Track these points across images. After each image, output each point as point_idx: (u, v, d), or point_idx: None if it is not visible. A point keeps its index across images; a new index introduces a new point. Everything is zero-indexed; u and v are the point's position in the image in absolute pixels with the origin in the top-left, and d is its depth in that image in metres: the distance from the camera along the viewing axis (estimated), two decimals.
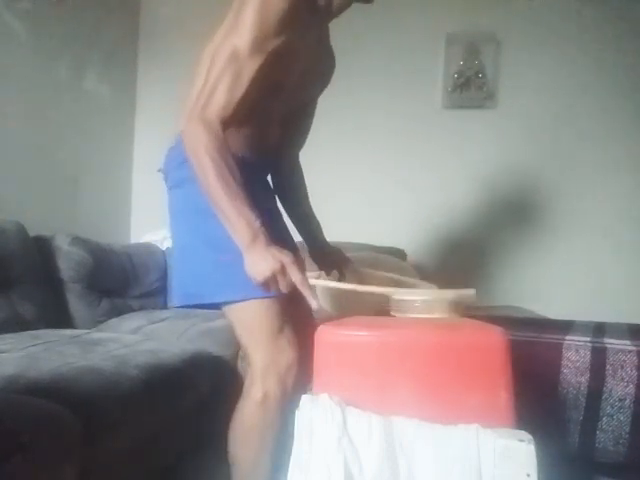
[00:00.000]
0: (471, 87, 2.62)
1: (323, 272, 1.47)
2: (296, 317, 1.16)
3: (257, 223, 0.98)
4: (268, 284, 0.97)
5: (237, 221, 0.98)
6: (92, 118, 2.64)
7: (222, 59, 1.02)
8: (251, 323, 1.11)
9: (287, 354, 1.10)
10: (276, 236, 1.11)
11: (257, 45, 1.01)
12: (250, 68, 1.02)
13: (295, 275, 0.95)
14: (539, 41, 2.57)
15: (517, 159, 2.60)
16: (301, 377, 1.11)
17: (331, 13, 1.19)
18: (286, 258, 0.96)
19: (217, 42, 1.09)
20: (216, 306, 1.15)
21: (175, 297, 1.19)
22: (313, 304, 0.96)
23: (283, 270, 0.95)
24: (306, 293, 0.96)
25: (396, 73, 2.68)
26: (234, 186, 0.99)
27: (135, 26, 2.97)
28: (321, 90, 1.36)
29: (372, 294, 1.13)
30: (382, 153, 2.71)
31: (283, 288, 0.97)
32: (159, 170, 1.25)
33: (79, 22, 2.52)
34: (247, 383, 1.13)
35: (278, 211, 1.39)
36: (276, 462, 1.11)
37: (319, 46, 1.21)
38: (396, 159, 2.69)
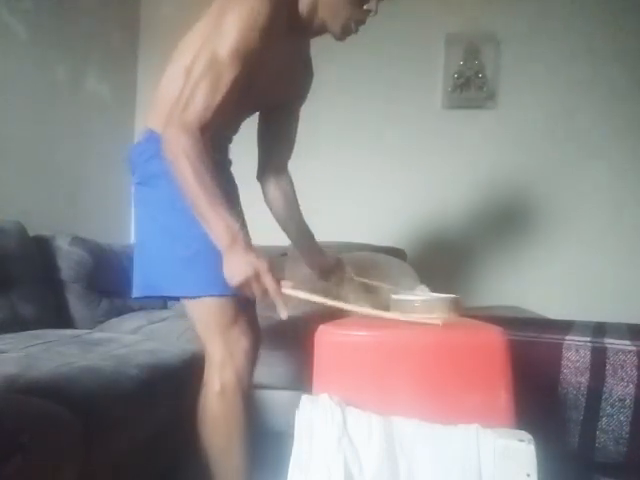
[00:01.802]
0: (471, 87, 2.61)
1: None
2: (249, 315, 1.21)
3: (236, 226, 0.98)
4: (242, 288, 0.98)
5: (216, 224, 0.98)
6: (92, 118, 2.64)
7: (201, 64, 1.02)
8: (206, 318, 1.16)
9: (241, 345, 1.15)
10: None
11: (238, 52, 1.02)
12: (230, 73, 1.02)
13: (269, 283, 0.95)
14: (539, 41, 2.57)
15: (517, 159, 2.60)
16: (254, 366, 1.19)
17: (309, 33, 1.23)
18: (262, 265, 0.95)
19: (194, 41, 1.11)
20: (176, 298, 1.20)
21: (135, 288, 1.23)
22: (283, 314, 0.96)
23: (257, 277, 0.95)
24: (277, 302, 0.96)
25: (396, 73, 2.68)
26: (213, 190, 0.99)
27: (135, 26, 2.97)
28: (296, 102, 1.38)
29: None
30: (382, 153, 2.70)
31: (257, 294, 0.98)
32: (125, 160, 1.26)
33: (79, 22, 2.53)
34: (205, 376, 1.18)
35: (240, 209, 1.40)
36: (250, 451, 1.17)
37: (294, 58, 1.23)
38: (396, 159, 2.69)
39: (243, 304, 1.17)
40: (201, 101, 1.01)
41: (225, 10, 1.03)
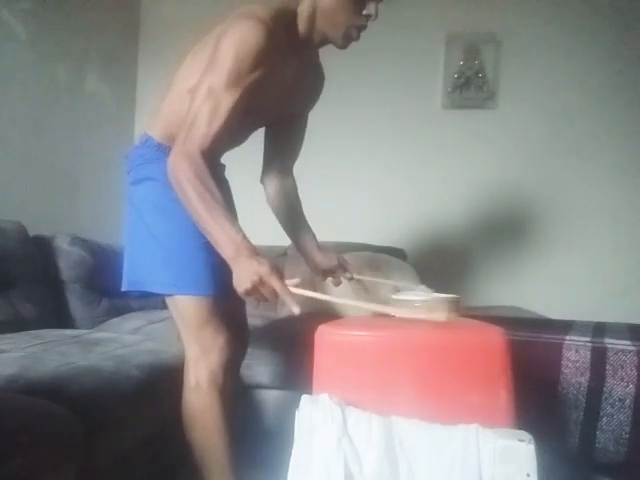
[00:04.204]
0: (471, 87, 2.61)
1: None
2: (231, 316, 1.26)
3: (238, 237, 1.01)
4: (250, 294, 1.00)
5: (219, 238, 1.02)
6: (92, 118, 2.64)
7: (200, 95, 1.07)
8: (182, 316, 1.22)
9: (216, 343, 1.20)
10: None
11: (232, 81, 1.06)
12: (227, 101, 1.06)
13: (275, 284, 0.97)
14: (539, 41, 2.57)
15: (517, 159, 2.60)
16: (232, 364, 1.24)
17: (312, 46, 1.25)
18: (264, 269, 0.97)
19: (196, 66, 1.15)
20: (157, 295, 1.25)
21: (123, 282, 1.28)
22: (295, 310, 0.97)
23: (262, 281, 0.98)
24: (287, 300, 0.98)
25: (396, 73, 2.68)
26: (214, 206, 1.03)
27: (135, 26, 2.97)
28: (305, 109, 1.41)
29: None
30: (382, 153, 2.70)
31: (268, 297, 1.00)
32: (124, 160, 1.32)
33: (79, 22, 2.52)
34: (184, 372, 1.23)
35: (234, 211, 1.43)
36: (233, 445, 1.21)
37: (300, 72, 1.25)
38: (396, 159, 2.69)
39: (220, 304, 1.20)
40: (200, 129, 1.05)
41: (220, 39, 1.08)
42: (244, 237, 1.02)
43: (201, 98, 1.06)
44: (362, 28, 1.19)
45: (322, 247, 1.48)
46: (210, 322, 1.19)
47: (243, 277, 0.98)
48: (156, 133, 1.25)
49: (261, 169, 1.46)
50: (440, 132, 2.66)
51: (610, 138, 2.50)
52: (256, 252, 1.01)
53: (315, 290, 1.06)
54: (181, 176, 1.04)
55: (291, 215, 1.46)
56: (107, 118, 2.76)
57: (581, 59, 2.53)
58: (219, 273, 1.17)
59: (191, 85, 1.14)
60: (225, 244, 1.02)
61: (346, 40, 1.21)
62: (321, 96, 1.42)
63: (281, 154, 1.44)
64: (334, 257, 1.47)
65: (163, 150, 1.21)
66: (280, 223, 1.48)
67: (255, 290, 0.99)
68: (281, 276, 0.99)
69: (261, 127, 1.39)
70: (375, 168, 2.71)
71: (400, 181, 2.69)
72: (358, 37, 1.21)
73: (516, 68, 2.59)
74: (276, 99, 1.23)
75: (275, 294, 0.99)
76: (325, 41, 1.22)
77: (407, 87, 2.67)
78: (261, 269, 0.97)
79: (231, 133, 1.11)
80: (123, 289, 1.28)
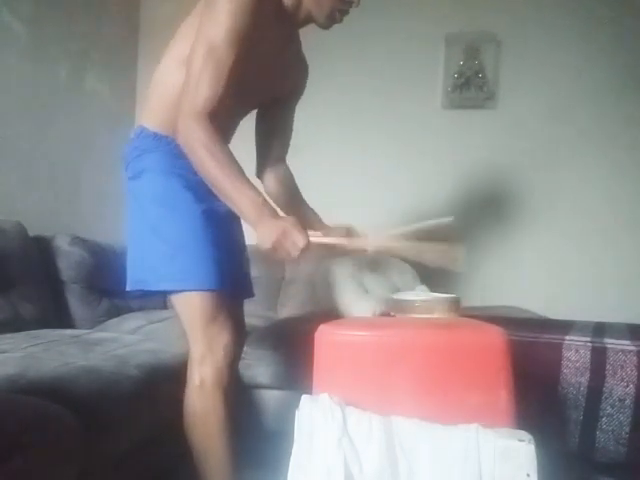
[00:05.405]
0: (471, 87, 2.61)
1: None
2: (233, 311, 1.24)
3: (259, 199, 1.02)
4: (275, 251, 1.01)
5: (240, 201, 1.03)
6: (92, 118, 2.64)
7: (200, 54, 1.05)
8: (187, 313, 1.19)
9: (222, 340, 1.17)
10: (230, 235, 1.18)
11: (231, 37, 1.05)
12: (229, 58, 1.06)
13: (297, 236, 1.00)
14: (539, 41, 2.56)
15: (517, 159, 2.59)
16: (235, 362, 1.23)
17: (295, 24, 1.26)
18: (287, 223, 1.00)
19: (186, 32, 1.14)
20: (161, 294, 1.24)
21: (127, 282, 1.25)
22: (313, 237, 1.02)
23: (285, 233, 0.99)
24: (315, 240, 1.02)
25: (396, 73, 2.68)
26: (232, 169, 1.03)
27: (135, 26, 2.97)
28: (292, 97, 1.41)
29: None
30: (382, 153, 2.70)
31: (292, 251, 1.01)
32: (121, 158, 1.30)
33: (79, 22, 2.52)
34: (188, 371, 1.21)
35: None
36: (234, 445, 1.19)
37: (285, 50, 1.26)
38: (395, 159, 2.69)
39: (225, 300, 1.19)
40: (207, 89, 1.04)
41: (212, 2, 1.06)
42: (265, 199, 1.03)
43: (201, 59, 1.05)
44: (345, 13, 1.23)
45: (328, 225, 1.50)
46: (216, 318, 1.17)
47: (267, 234, 1.00)
48: (151, 122, 1.23)
49: (255, 164, 1.46)
50: (440, 132, 2.65)
51: (610, 138, 2.50)
52: (277, 213, 1.03)
53: None
54: (193, 141, 1.03)
55: (293, 199, 1.46)
56: (107, 118, 2.76)
57: (581, 59, 2.53)
58: (225, 268, 1.16)
59: (185, 56, 1.11)
60: (245, 206, 1.02)
61: (329, 21, 1.23)
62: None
63: (272, 146, 1.44)
64: (343, 228, 1.47)
65: (160, 139, 1.19)
66: (283, 209, 1.47)
67: (280, 246, 1.00)
68: (304, 227, 1.02)
69: (246, 113, 1.38)
70: (374, 168, 2.71)
71: (400, 181, 2.68)
72: (341, 20, 1.24)
73: (516, 68, 2.58)
74: (266, 73, 1.22)
75: (298, 248, 1.00)
76: (309, 19, 1.24)
77: (407, 87, 2.67)
78: (284, 223, 1.00)
79: (228, 110, 1.09)
80: (128, 289, 1.25)
